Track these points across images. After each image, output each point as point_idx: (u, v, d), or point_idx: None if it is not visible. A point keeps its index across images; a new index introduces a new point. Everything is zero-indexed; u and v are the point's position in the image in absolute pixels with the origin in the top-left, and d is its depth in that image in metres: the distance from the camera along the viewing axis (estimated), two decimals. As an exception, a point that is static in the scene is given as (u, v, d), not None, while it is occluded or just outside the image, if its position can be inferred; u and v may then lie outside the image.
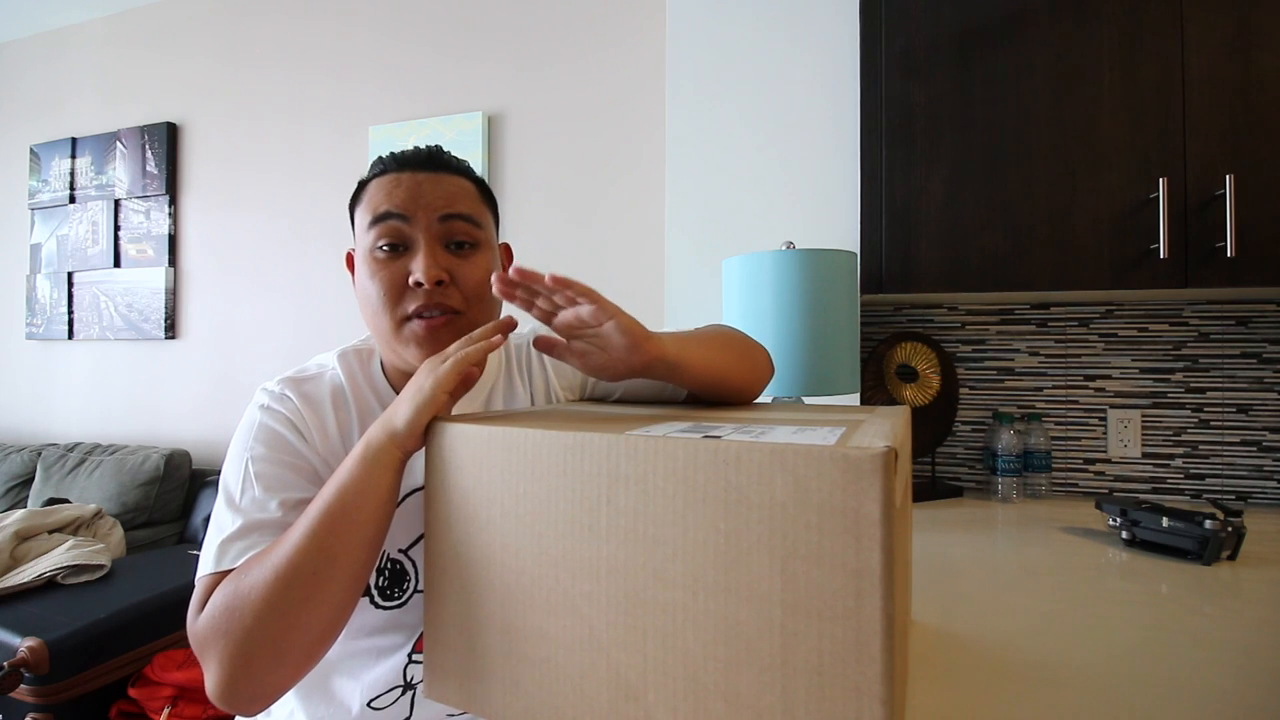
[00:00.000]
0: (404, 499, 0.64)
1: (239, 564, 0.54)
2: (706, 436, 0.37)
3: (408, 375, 0.65)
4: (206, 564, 0.55)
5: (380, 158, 0.66)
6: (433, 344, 0.61)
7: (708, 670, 0.37)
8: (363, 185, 0.66)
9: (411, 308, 0.61)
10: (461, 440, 0.46)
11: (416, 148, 0.66)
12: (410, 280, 0.61)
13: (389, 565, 0.64)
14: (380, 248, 0.62)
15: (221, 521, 0.57)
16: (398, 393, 0.62)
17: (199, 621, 0.52)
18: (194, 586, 0.56)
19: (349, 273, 0.69)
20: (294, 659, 0.51)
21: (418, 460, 0.60)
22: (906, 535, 0.47)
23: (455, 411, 0.53)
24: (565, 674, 0.41)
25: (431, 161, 0.65)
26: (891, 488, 0.32)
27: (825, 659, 0.33)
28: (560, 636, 0.41)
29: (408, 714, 0.64)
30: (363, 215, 0.64)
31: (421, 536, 0.63)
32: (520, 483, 0.44)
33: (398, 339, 0.63)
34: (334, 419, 0.64)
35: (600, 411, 0.57)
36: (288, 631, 0.49)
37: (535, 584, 0.43)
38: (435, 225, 0.62)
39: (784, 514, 0.34)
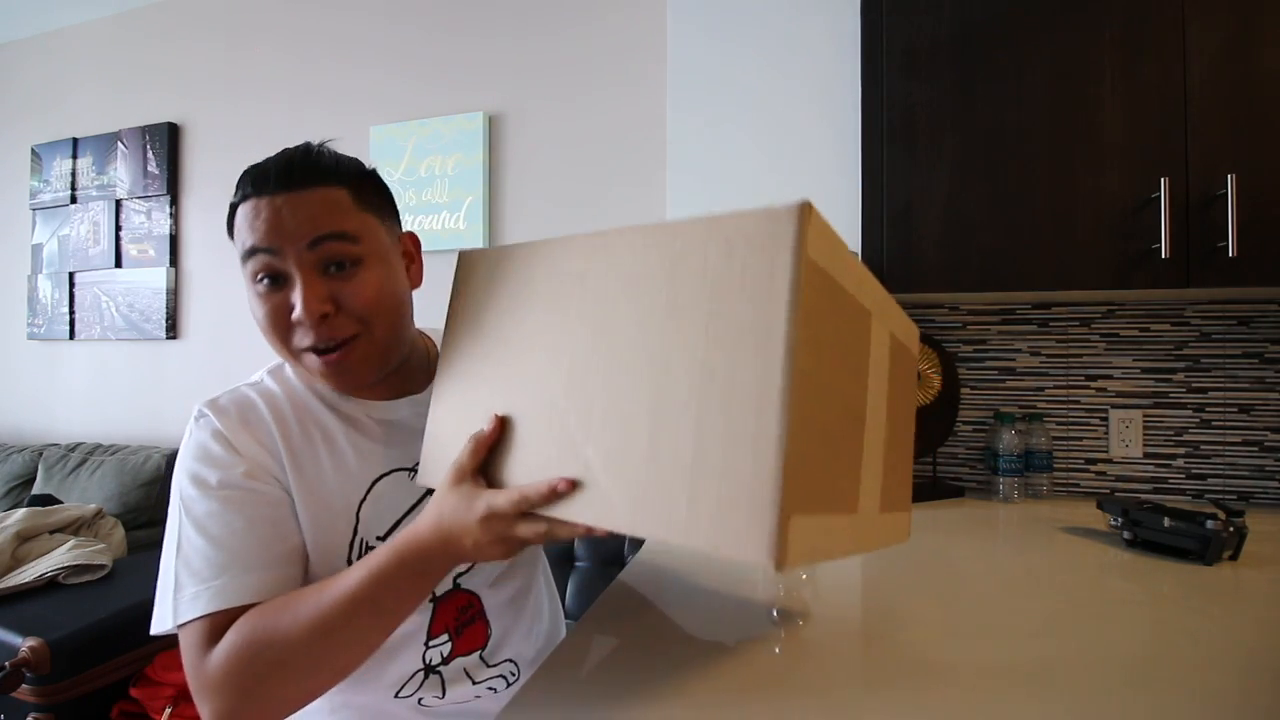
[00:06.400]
0: (378, 480, 0.64)
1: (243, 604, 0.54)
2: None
3: None
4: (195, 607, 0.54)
5: (242, 176, 0.59)
6: (338, 377, 0.60)
7: (638, 415, 0.43)
8: (233, 209, 0.60)
9: (305, 343, 0.58)
10: (482, 260, 0.59)
11: (278, 156, 0.59)
12: (292, 317, 0.57)
13: None
14: (259, 280, 0.58)
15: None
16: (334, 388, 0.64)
17: (215, 657, 0.51)
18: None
19: None
20: (321, 689, 0.54)
21: (394, 435, 0.65)
22: (855, 326, 0.46)
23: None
24: (533, 441, 0.50)
25: (289, 178, 0.57)
26: (805, 235, 0.37)
27: (735, 389, 0.38)
28: (529, 410, 0.51)
29: (439, 693, 0.65)
30: (236, 245, 0.60)
31: (399, 522, 0.64)
32: (513, 284, 0.54)
33: (301, 369, 0.62)
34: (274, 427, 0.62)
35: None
36: (321, 673, 0.53)
37: (521, 366, 0.52)
38: (305, 254, 0.57)
39: (716, 273, 0.40)
